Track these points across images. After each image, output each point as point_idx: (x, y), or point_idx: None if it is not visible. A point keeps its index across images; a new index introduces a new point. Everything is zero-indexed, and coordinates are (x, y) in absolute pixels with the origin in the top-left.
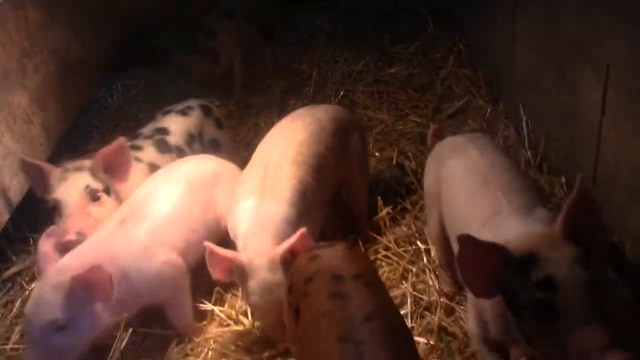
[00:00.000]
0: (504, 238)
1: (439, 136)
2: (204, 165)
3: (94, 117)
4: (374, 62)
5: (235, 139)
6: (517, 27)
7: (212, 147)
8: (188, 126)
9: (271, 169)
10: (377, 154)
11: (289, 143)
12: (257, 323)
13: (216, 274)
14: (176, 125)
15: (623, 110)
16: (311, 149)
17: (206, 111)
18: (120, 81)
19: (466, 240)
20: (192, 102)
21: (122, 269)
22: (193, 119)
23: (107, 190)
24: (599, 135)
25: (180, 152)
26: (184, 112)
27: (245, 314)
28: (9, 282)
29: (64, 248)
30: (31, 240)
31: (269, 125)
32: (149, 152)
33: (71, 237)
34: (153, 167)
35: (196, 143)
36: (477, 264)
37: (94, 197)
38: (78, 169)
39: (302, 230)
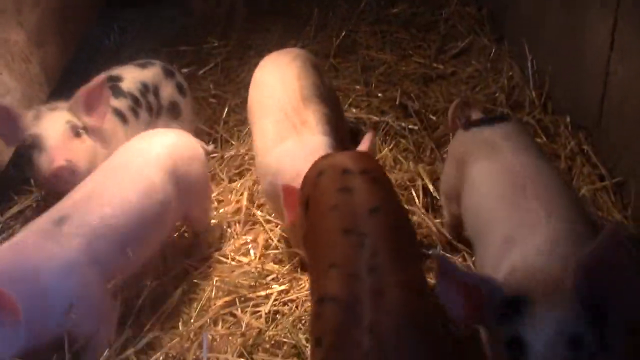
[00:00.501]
0: (524, 259)
1: (463, 112)
2: (159, 153)
3: (91, 59)
4: (376, 1)
5: (235, 80)
6: None
7: (172, 111)
8: (143, 77)
9: (290, 110)
10: (379, 94)
11: (287, 82)
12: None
13: (292, 215)
14: (130, 74)
15: (633, 44)
16: (309, 80)
17: (167, 72)
18: (117, 21)
19: (446, 266)
20: (156, 62)
21: (41, 286)
22: (149, 72)
23: (86, 131)
24: (606, 71)
25: (134, 100)
26: (142, 65)
27: (245, 254)
28: (12, 220)
29: (53, 181)
30: (31, 180)
31: None
32: None
33: (61, 163)
34: (115, 111)
35: (151, 95)
36: (458, 290)
37: (76, 132)
38: (53, 109)
39: (370, 134)
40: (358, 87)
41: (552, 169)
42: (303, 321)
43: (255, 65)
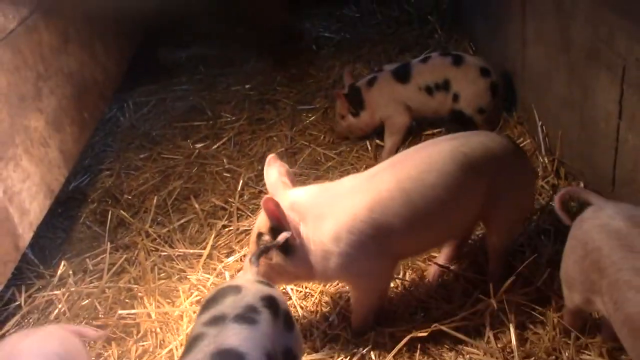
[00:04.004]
0: None
1: None
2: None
3: (107, 136)
4: None
5: (248, 154)
6: (528, 29)
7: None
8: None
9: None
10: None
11: None
12: None
13: None
14: None
15: None
16: None
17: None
18: (131, 99)
19: None
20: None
21: None
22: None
23: None
24: (616, 138)
25: None
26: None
27: None
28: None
29: None
30: (40, 267)
31: (282, 138)
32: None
33: None
34: None
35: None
36: None
37: None
38: None
39: None
40: None
41: None
42: None
43: (267, 138)
